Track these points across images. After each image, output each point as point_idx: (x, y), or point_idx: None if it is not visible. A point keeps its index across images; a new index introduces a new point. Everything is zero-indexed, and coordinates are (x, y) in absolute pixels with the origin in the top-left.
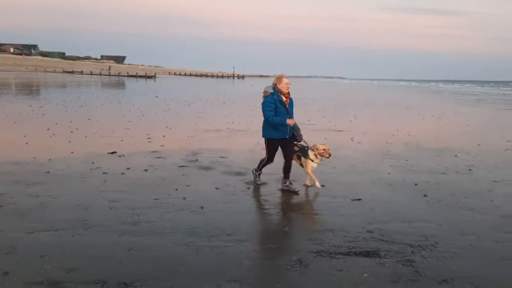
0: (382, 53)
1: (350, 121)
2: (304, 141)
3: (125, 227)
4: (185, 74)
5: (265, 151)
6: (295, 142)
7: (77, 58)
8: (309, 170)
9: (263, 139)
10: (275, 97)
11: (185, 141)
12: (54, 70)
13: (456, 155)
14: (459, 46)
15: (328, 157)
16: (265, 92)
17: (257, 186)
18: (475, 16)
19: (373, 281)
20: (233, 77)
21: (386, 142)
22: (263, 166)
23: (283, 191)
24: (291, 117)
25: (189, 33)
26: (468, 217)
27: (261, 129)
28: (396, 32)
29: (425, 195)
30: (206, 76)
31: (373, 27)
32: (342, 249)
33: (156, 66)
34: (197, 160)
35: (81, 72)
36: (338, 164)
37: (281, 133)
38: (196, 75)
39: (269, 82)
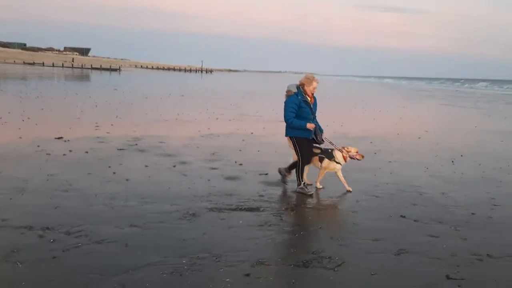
0: (351, 49)
1: None
2: (330, 142)
3: (57, 193)
4: (152, 68)
5: (296, 153)
6: (314, 144)
7: (39, 50)
8: (324, 172)
9: (288, 138)
10: (299, 97)
11: (131, 129)
12: (14, 61)
13: (371, 142)
14: (422, 44)
15: (359, 160)
16: (288, 91)
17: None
18: (436, 15)
19: (244, 225)
20: (201, 71)
21: None
22: (302, 172)
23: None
24: (315, 117)
25: (158, 26)
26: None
27: None
28: (364, 29)
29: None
30: (174, 69)
31: (342, 24)
32: (232, 206)
33: (122, 59)
34: (136, 144)
35: (42, 64)
36: (262, 147)
37: (306, 132)
38: (163, 69)
39: (239, 76)
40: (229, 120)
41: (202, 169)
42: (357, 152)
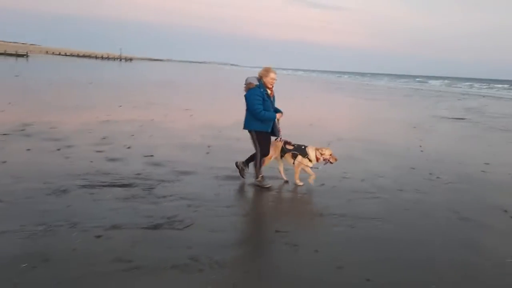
0: (276, 42)
1: (196, 102)
2: (281, 138)
3: None
4: (66, 54)
5: (254, 146)
6: (288, 141)
7: None
8: (299, 169)
9: (248, 131)
10: (262, 90)
11: (22, 115)
12: None
13: None
14: (343, 39)
15: (332, 163)
16: (249, 83)
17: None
18: (359, 12)
19: (111, 199)
20: (120, 60)
21: (188, 121)
22: (261, 164)
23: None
24: (275, 110)
25: (72, 12)
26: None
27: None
28: (288, 22)
29: (207, 153)
30: (90, 57)
31: (267, 17)
32: (105, 183)
33: (31, 44)
34: (24, 130)
35: None
36: (157, 132)
37: (266, 125)
38: (78, 56)
39: (159, 66)
40: (133, 107)
41: (87, 151)
42: (331, 155)
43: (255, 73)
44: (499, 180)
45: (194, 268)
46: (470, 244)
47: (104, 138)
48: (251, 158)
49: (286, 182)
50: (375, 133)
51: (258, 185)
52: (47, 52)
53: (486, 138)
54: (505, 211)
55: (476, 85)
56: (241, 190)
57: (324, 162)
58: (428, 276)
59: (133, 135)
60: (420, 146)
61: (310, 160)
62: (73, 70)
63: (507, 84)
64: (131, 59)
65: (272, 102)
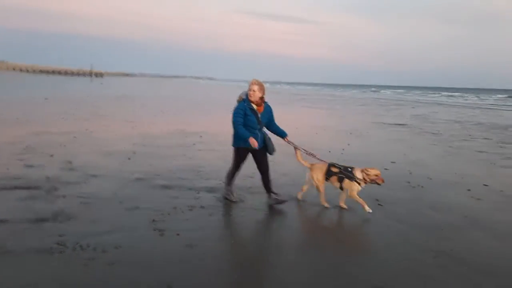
0: (248, 55)
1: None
2: (302, 149)
3: None
4: (34, 71)
5: (233, 161)
6: (334, 164)
7: None
8: (356, 193)
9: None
10: (245, 104)
11: None
12: None
13: (201, 136)
14: (312, 52)
15: (379, 184)
16: (239, 97)
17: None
18: (325, 25)
19: (10, 199)
20: (91, 75)
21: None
22: (232, 177)
23: (272, 205)
24: (262, 127)
25: (41, 27)
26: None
27: None
28: (256, 35)
29: (129, 158)
30: (60, 73)
31: (238, 30)
32: (12, 186)
33: None
34: None
35: None
36: (89, 142)
37: (246, 143)
38: (48, 72)
39: (131, 80)
40: (76, 119)
41: (8, 159)
42: (377, 175)
43: (228, 85)
44: (393, 175)
45: (56, 250)
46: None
47: (26, 148)
48: (267, 186)
49: (326, 207)
50: (308, 139)
51: (225, 198)
52: (14, 68)
53: (412, 141)
54: (376, 199)
55: (443, 93)
56: (144, 191)
57: (370, 182)
58: None
59: (64, 145)
60: (343, 149)
61: (358, 183)
62: (35, 87)
63: (472, 94)
64: (102, 75)
65: (258, 117)
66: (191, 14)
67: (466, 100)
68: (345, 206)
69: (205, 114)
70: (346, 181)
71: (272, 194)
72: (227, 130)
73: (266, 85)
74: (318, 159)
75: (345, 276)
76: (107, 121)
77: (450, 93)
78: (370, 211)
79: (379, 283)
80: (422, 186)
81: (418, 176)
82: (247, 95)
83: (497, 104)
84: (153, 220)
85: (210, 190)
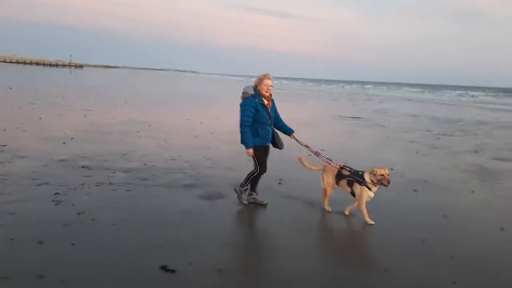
0: (233, 49)
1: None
2: (305, 145)
3: None
4: (11, 61)
5: (253, 162)
6: (343, 165)
7: None
8: (364, 201)
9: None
10: (256, 100)
11: None
12: None
13: (150, 125)
14: (300, 46)
15: (386, 186)
16: (244, 93)
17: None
18: (313, 20)
19: None
20: (70, 67)
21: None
22: (253, 179)
23: (249, 203)
24: (272, 122)
25: (21, 17)
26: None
27: None
28: (243, 30)
29: (64, 143)
30: (38, 64)
31: (222, 23)
32: None
33: None
34: None
35: None
36: (31, 129)
37: (262, 139)
38: (25, 63)
39: (115, 73)
40: (32, 108)
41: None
42: (383, 175)
43: (212, 79)
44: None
45: None
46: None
47: None
48: (255, 184)
49: (329, 212)
50: None
51: (236, 193)
52: None
53: (357, 132)
54: (280, 179)
55: (420, 90)
56: (61, 170)
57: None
58: None
59: (5, 130)
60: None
61: (369, 188)
62: (5, 77)
63: (461, 90)
64: (81, 66)
65: (269, 112)
66: (178, 6)
67: (443, 96)
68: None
69: (166, 105)
70: (357, 186)
71: (253, 193)
72: (179, 121)
73: (253, 79)
74: (324, 159)
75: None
76: (64, 110)
77: (435, 90)
78: (373, 223)
79: None
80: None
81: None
82: (255, 90)
83: (470, 102)
84: (56, 193)
85: (127, 170)
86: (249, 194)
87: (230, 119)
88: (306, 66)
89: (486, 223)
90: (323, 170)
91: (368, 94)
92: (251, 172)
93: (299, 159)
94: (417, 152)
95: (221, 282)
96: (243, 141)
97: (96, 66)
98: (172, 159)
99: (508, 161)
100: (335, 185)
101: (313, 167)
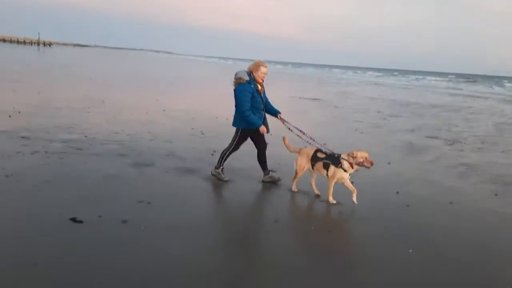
0: (210, 30)
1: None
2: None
3: None
4: None
5: (231, 140)
6: (319, 148)
7: None
8: (333, 182)
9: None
10: (252, 86)
11: None
12: None
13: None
14: (276, 29)
15: (369, 167)
16: (239, 78)
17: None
18: (290, 2)
19: None
20: (38, 44)
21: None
22: (227, 157)
23: (267, 182)
24: (264, 107)
25: None
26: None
27: None
28: (221, 11)
29: (9, 116)
30: (4, 41)
31: (200, 3)
32: None
33: None
34: None
35: None
36: None
37: (253, 125)
38: None
39: (85, 52)
40: None
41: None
42: (366, 158)
43: (187, 59)
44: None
45: None
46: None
47: None
48: (264, 164)
49: (318, 196)
50: (210, 107)
51: (215, 175)
52: None
53: (310, 111)
54: (214, 151)
55: (399, 76)
56: (2, 140)
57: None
58: None
59: None
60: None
61: (345, 171)
62: None
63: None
64: (50, 44)
65: (263, 98)
66: None
67: (407, 81)
68: (317, 192)
69: (127, 85)
70: (332, 167)
71: (268, 171)
72: (136, 99)
73: (228, 62)
74: (308, 140)
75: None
76: (19, 87)
77: (408, 75)
78: (334, 202)
79: None
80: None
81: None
82: (249, 75)
83: (437, 86)
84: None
85: (66, 141)
86: (265, 174)
87: (187, 98)
88: (287, 49)
89: (386, 187)
90: (299, 153)
91: (338, 78)
92: (224, 151)
93: (283, 138)
94: (356, 130)
95: (123, 230)
96: (251, 123)
97: (65, 44)
98: (115, 132)
99: (439, 139)
100: (311, 169)
101: (290, 149)
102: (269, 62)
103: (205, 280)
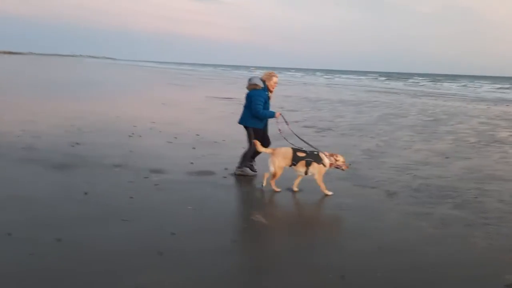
0: (152, 35)
1: None
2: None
3: None
4: None
5: (248, 142)
6: (299, 148)
7: None
8: (321, 178)
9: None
10: (267, 93)
11: None
12: None
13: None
14: (218, 32)
15: (343, 170)
16: (254, 84)
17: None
18: (231, 6)
19: None
20: None
21: None
22: (250, 157)
23: (237, 175)
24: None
25: None
26: None
27: None
28: (162, 15)
29: None
30: None
31: (140, 7)
32: None
33: None
34: None
35: None
36: None
37: (263, 123)
38: None
39: (19, 59)
40: None
41: (237, 177)
42: (344, 162)
43: (128, 66)
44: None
45: None
46: None
47: None
48: (248, 159)
49: (295, 191)
50: (112, 107)
51: (240, 174)
52: None
53: (209, 109)
54: (76, 143)
55: (343, 76)
56: None
57: (335, 168)
58: None
59: None
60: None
61: (324, 166)
62: None
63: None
64: None
65: (269, 104)
66: None
67: (329, 80)
68: (297, 189)
69: (44, 91)
70: (315, 164)
71: (243, 166)
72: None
73: (169, 66)
74: (304, 141)
75: None
76: None
77: (351, 76)
78: (331, 193)
79: None
80: (140, 136)
81: (164, 132)
82: (265, 84)
83: (357, 84)
84: None
85: None
86: (237, 167)
87: (103, 103)
88: (226, 52)
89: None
90: (272, 153)
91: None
92: (245, 152)
93: (255, 142)
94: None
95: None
96: (269, 116)
97: None
98: None
99: (314, 128)
100: (293, 167)
101: (261, 149)
102: (214, 65)
103: None
